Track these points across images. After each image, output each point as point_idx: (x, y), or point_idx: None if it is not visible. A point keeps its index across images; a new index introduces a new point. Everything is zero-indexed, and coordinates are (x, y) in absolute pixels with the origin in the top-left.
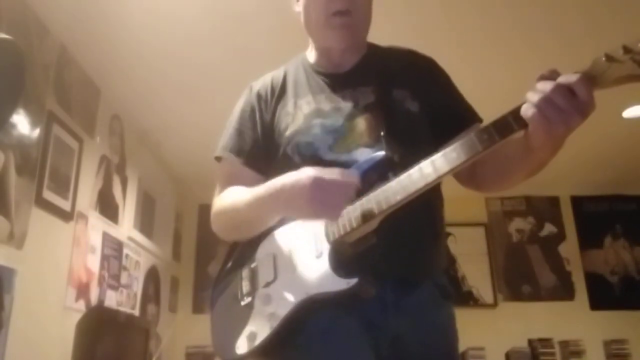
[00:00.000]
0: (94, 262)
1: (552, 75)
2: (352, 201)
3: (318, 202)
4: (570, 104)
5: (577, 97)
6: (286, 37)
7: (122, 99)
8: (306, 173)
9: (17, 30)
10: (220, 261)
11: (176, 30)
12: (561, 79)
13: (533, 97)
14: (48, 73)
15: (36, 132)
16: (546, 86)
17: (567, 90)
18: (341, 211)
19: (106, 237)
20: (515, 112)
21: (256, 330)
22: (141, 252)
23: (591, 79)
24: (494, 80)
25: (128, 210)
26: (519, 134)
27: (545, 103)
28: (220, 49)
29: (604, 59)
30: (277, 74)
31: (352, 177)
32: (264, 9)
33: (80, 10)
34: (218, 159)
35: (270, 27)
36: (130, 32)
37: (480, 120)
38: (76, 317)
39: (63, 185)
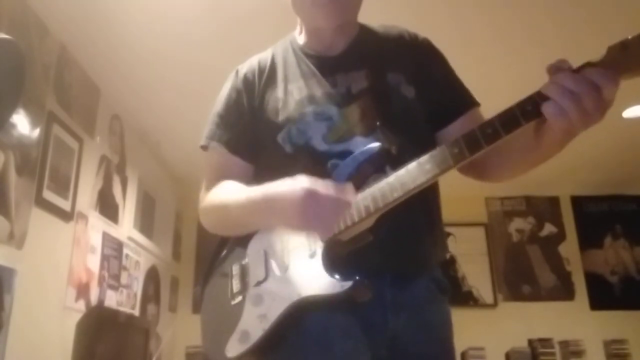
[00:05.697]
0: (94, 262)
1: (562, 65)
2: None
3: (309, 216)
4: (597, 106)
5: (603, 96)
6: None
7: (122, 99)
8: (300, 184)
9: (17, 30)
10: (210, 255)
11: (177, 31)
12: (591, 77)
13: (563, 99)
14: (48, 73)
15: (36, 132)
16: (578, 87)
17: (596, 90)
18: (332, 229)
19: (106, 237)
20: (523, 106)
21: (247, 332)
22: (141, 252)
23: (619, 75)
24: (495, 73)
25: (128, 210)
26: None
27: (576, 107)
28: (220, 50)
29: (619, 47)
30: (264, 57)
31: (348, 193)
32: (264, 10)
33: (80, 10)
34: (204, 147)
35: (271, 28)
36: (131, 32)
37: (478, 105)
38: (76, 317)
39: (63, 185)
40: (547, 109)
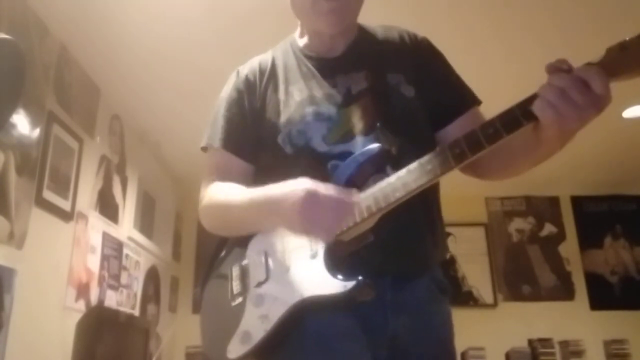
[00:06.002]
0: (94, 262)
1: (561, 65)
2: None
3: (309, 218)
4: (587, 99)
5: (593, 91)
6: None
7: (122, 99)
8: (302, 185)
9: (17, 30)
10: (210, 256)
11: (176, 31)
12: (577, 72)
13: (547, 93)
14: (48, 73)
15: (36, 132)
16: (561, 81)
17: (584, 85)
18: (333, 232)
19: (106, 237)
20: (523, 106)
21: (249, 332)
22: (141, 252)
23: (607, 71)
24: (497, 73)
25: (128, 210)
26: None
27: (562, 100)
28: (220, 50)
29: (618, 48)
30: (264, 58)
31: (351, 197)
32: (264, 10)
33: (80, 10)
34: (204, 149)
35: (271, 29)
36: (131, 33)
37: (479, 103)
38: (76, 317)
39: (63, 185)
40: (535, 104)
